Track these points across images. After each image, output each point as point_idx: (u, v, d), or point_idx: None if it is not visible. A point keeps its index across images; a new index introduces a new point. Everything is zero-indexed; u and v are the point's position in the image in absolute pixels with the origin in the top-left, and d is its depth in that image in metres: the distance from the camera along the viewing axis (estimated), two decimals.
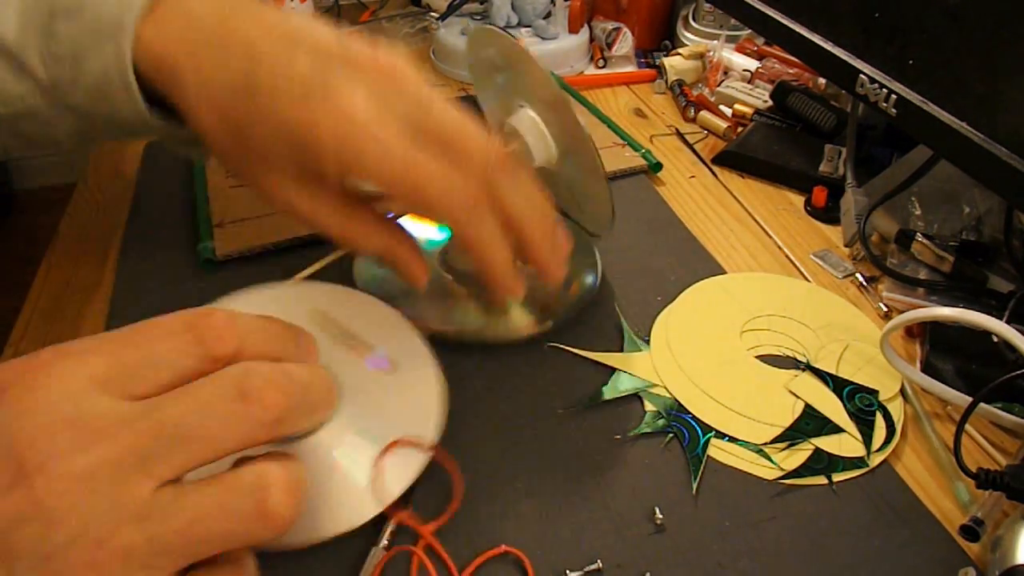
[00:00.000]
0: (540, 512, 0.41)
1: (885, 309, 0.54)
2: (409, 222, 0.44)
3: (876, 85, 0.51)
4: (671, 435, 0.45)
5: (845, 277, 0.56)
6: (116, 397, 0.26)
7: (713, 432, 0.45)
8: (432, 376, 0.41)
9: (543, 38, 0.88)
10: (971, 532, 0.38)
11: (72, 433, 0.25)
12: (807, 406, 0.46)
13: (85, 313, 0.55)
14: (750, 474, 0.43)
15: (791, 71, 0.79)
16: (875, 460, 0.43)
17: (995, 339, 0.47)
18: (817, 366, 0.49)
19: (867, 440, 0.44)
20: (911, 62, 0.49)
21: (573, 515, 0.41)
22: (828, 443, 0.44)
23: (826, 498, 0.41)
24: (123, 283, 0.57)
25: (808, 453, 0.43)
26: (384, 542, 0.38)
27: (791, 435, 0.44)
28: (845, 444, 0.44)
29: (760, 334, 0.51)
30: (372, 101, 0.37)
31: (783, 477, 0.42)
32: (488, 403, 0.47)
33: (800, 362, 0.49)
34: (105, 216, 0.62)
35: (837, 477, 0.42)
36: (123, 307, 0.55)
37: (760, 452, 0.44)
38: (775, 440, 0.44)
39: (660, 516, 0.40)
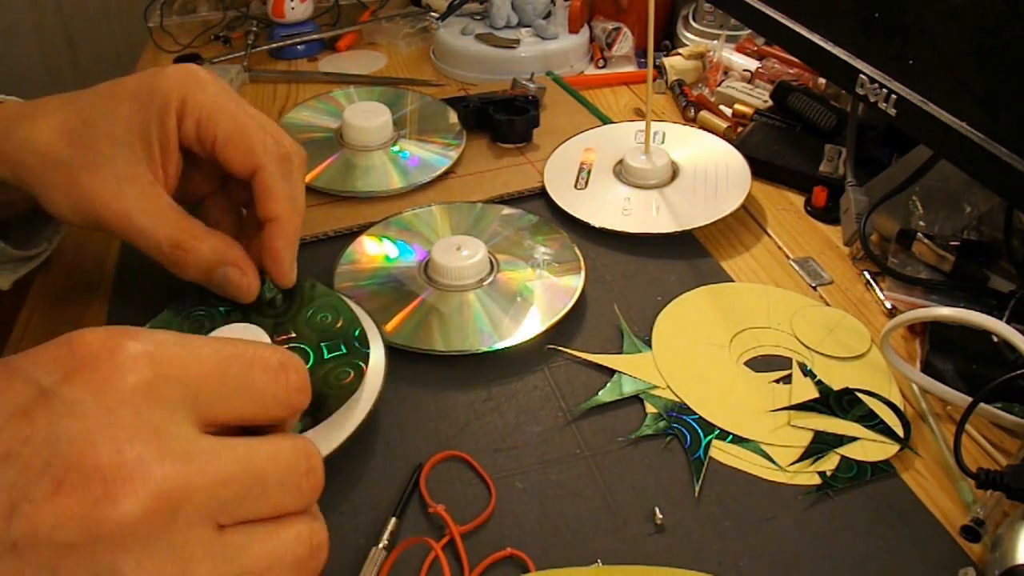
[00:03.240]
0: (540, 512, 0.41)
1: (889, 307, 0.54)
2: None
3: (876, 85, 0.51)
4: (672, 436, 0.45)
5: (818, 286, 0.56)
6: (197, 425, 0.25)
7: (716, 433, 0.44)
8: None
9: (543, 38, 0.88)
10: (972, 532, 0.38)
11: (159, 446, 0.23)
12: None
13: (85, 313, 0.55)
14: (750, 474, 0.43)
15: (791, 71, 0.79)
16: (905, 458, 0.43)
17: (995, 339, 0.47)
18: (814, 371, 0.49)
19: (895, 438, 0.44)
20: (911, 62, 0.49)
21: (573, 515, 0.41)
22: (852, 450, 0.43)
23: (826, 498, 0.41)
24: (123, 283, 0.57)
25: (836, 462, 0.43)
26: (384, 542, 0.38)
27: (814, 448, 0.44)
28: (869, 449, 0.44)
29: (759, 336, 0.51)
30: None
31: (819, 488, 0.42)
32: (489, 406, 0.47)
33: (804, 367, 0.49)
34: None
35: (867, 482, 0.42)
36: (123, 307, 0.55)
37: (761, 452, 0.44)
38: (800, 459, 0.43)
39: (660, 516, 0.40)
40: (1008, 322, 0.45)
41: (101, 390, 0.24)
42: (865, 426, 0.45)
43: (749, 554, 0.39)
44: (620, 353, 0.50)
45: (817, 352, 0.50)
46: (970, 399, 0.42)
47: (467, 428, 0.45)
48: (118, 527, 0.22)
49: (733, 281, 0.56)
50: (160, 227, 0.43)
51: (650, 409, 0.46)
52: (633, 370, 0.49)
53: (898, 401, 0.46)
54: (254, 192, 0.45)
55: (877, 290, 0.56)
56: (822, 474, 0.42)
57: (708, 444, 0.44)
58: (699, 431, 0.45)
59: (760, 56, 0.84)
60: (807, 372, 0.48)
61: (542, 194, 0.65)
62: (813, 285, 0.56)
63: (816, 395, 0.47)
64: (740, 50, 0.86)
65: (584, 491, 0.42)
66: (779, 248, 0.61)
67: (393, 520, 0.39)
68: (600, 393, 0.47)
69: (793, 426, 0.45)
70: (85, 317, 0.54)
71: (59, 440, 0.22)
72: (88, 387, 0.23)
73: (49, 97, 0.46)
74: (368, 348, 0.46)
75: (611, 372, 0.49)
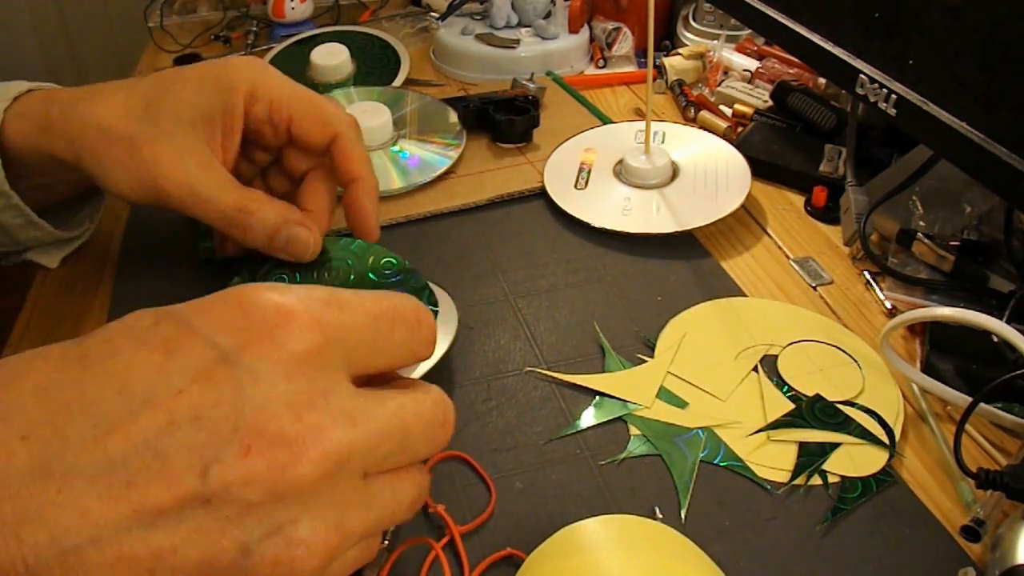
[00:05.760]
0: (540, 512, 0.41)
1: (889, 307, 0.54)
2: None
3: (876, 85, 0.51)
4: (657, 455, 0.44)
5: (818, 286, 0.56)
6: (352, 382, 0.28)
7: (704, 452, 0.43)
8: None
9: (543, 38, 0.88)
10: (972, 533, 0.38)
11: (331, 412, 0.26)
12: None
13: (85, 313, 0.55)
14: (751, 473, 0.43)
15: (791, 71, 0.79)
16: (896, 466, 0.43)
17: (995, 339, 0.47)
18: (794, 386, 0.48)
19: (882, 444, 0.44)
20: (911, 62, 0.49)
21: (573, 515, 0.40)
22: (843, 464, 0.43)
23: (826, 498, 0.41)
24: (123, 283, 0.57)
25: (831, 479, 0.42)
26: (385, 542, 0.38)
27: (803, 464, 0.43)
28: (857, 459, 0.43)
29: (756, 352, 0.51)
30: None
31: (831, 514, 0.40)
32: (489, 406, 0.47)
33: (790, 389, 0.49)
34: (105, 216, 0.62)
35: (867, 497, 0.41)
36: (123, 307, 0.54)
37: (749, 475, 0.43)
38: (792, 478, 0.42)
39: (660, 516, 0.40)
40: (1008, 322, 0.45)
41: (279, 359, 0.26)
42: (846, 432, 0.44)
43: (749, 554, 0.39)
44: (602, 371, 0.49)
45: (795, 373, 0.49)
46: (970, 399, 0.42)
47: (467, 428, 0.45)
48: (298, 487, 0.25)
49: (732, 281, 0.56)
50: (224, 194, 0.45)
51: (633, 431, 0.45)
52: (616, 390, 0.47)
53: (896, 402, 0.46)
54: (334, 158, 0.48)
55: (877, 290, 0.56)
56: (833, 498, 0.41)
57: (695, 464, 0.43)
58: (685, 451, 0.44)
59: (760, 56, 0.84)
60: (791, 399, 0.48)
61: (542, 194, 0.65)
62: (813, 285, 0.56)
63: (791, 407, 0.46)
64: (740, 50, 0.86)
65: (584, 491, 0.42)
66: (779, 248, 0.61)
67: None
68: (580, 419, 0.46)
69: (774, 441, 0.44)
70: (85, 317, 0.54)
71: (244, 406, 0.25)
72: (266, 355, 0.26)
73: (108, 83, 0.48)
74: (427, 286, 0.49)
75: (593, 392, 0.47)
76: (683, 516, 0.40)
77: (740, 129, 0.74)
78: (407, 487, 0.30)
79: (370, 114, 0.69)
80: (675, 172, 0.65)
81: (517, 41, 0.87)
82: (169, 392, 0.25)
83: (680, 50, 0.85)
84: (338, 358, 0.28)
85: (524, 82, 0.77)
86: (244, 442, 0.25)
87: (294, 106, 0.47)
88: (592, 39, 0.91)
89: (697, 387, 0.47)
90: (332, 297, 0.29)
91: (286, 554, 0.25)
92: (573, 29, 0.89)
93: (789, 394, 0.47)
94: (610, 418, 0.46)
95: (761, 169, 0.67)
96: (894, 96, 0.50)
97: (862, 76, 0.52)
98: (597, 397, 0.47)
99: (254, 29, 0.95)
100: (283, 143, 0.50)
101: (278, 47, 0.89)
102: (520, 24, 0.90)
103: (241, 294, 0.27)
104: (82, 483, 0.23)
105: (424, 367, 0.46)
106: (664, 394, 0.47)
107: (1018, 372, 0.42)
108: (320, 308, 0.28)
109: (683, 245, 0.60)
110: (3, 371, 0.25)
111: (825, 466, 0.43)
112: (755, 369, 0.49)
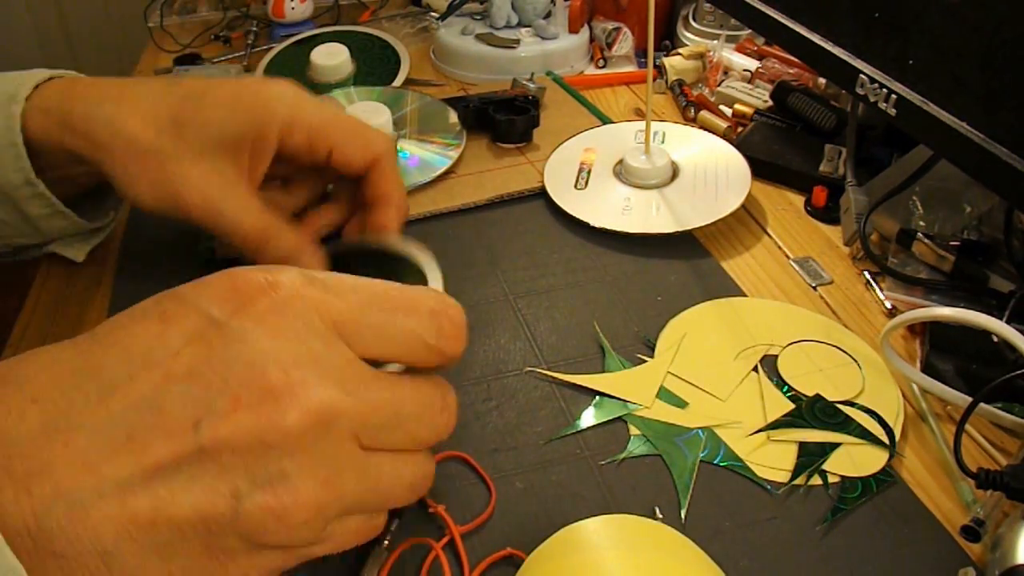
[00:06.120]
0: (540, 512, 0.41)
1: (889, 307, 0.54)
2: None
3: (876, 85, 0.51)
4: (657, 455, 0.44)
5: (818, 286, 0.56)
6: (352, 352, 0.30)
7: (704, 452, 0.43)
8: None
9: (543, 38, 0.88)
10: (972, 533, 0.38)
11: (318, 372, 0.28)
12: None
13: (85, 313, 0.55)
14: (751, 473, 0.43)
15: (791, 71, 0.79)
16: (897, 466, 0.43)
17: (995, 339, 0.47)
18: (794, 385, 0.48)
19: (882, 444, 0.43)
20: (911, 62, 0.49)
21: (573, 515, 0.40)
22: (843, 464, 0.42)
23: (826, 498, 0.41)
24: (123, 283, 0.57)
25: (831, 479, 0.42)
26: (386, 542, 0.38)
27: (803, 464, 0.43)
28: (858, 459, 0.43)
29: (756, 352, 0.51)
30: None
31: (831, 514, 0.40)
32: (489, 406, 0.47)
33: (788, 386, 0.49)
34: None
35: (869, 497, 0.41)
36: (123, 307, 0.54)
37: (749, 475, 0.43)
38: (792, 478, 0.42)
39: (660, 516, 0.40)
40: (1008, 322, 0.45)
41: (265, 321, 0.28)
42: (846, 432, 0.44)
43: (749, 554, 0.39)
44: (602, 371, 0.49)
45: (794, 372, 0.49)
46: (970, 399, 0.42)
47: (467, 428, 0.45)
48: (284, 435, 0.26)
49: (732, 281, 0.56)
50: (246, 216, 0.47)
51: (633, 431, 0.45)
52: (616, 390, 0.47)
53: (896, 402, 0.46)
54: (371, 178, 0.49)
55: (877, 290, 0.56)
56: (833, 498, 0.41)
57: (695, 464, 0.43)
58: (685, 451, 0.43)
59: (760, 56, 0.84)
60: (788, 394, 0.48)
61: (542, 194, 0.65)
62: (813, 285, 0.56)
63: (791, 407, 0.46)
64: (740, 50, 0.86)
65: (584, 491, 0.42)
66: (779, 248, 0.61)
67: (394, 520, 0.39)
68: (580, 419, 0.46)
69: (774, 441, 0.44)
70: (85, 317, 0.54)
71: (234, 362, 0.27)
72: (254, 318, 0.28)
73: (131, 81, 0.48)
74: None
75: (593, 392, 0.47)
76: (683, 516, 0.40)
77: (740, 129, 0.74)
78: (409, 468, 0.31)
79: (370, 114, 0.69)
80: (675, 172, 0.65)
81: (517, 41, 0.87)
82: (166, 354, 0.27)
83: (680, 50, 0.85)
84: (328, 326, 0.29)
85: (524, 82, 0.77)
86: (234, 394, 0.26)
87: (335, 134, 0.48)
88: (592, 39, 0.91)
89: (697, 387, 0.48)
90: (327, 278, 0.31)
91: (276, 503, 0.26)
92: (573, 29, 0.89)
93: (789, 394, 0.47)
94: (610, 418, 0.46)
95: (761, 169, 0.67)
96: (894, 96, 0.50)
97: (862, 76, 0.52)
98: (597, 397, 0.47)
99: (254, 29, 0.95)
100: (317, 164, 0.50)
101: (278, 47, 0.89)
102: (520, 24, 0.90)
103: (233, 272, 0.30)
104: (85, 438, 0.25)
105: None
106: (664, 394, 0.47)
107: (1018, 372, 0.42)
108: (304, 285, 0.30)
109: (683, 245, 0.60)
110: (20, 355, 0.28)
111: (825, 466, 0.43)
112: (755, 369, 0.49)
